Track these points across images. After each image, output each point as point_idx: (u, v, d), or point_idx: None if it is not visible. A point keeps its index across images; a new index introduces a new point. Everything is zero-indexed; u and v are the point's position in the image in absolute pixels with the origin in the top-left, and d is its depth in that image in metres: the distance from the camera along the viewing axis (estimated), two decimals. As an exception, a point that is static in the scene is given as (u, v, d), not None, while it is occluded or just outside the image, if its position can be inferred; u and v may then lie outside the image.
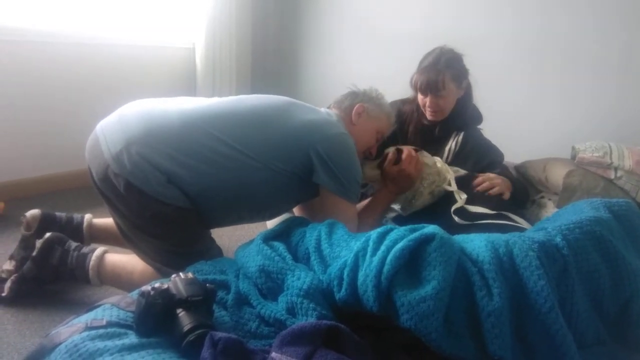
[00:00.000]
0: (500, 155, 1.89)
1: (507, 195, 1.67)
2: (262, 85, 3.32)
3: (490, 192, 1.65)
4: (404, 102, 2.01)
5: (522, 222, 1.54)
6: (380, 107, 1.71)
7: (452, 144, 1.89)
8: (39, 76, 2.34)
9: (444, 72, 1.77)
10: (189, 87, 3.01)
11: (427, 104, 1.83)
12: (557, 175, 1.98)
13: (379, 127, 1.70)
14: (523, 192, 1.86)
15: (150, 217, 1.33)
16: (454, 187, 1.62)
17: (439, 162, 1.71)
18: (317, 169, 1.41)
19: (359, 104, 1.66)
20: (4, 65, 2.23)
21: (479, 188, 1.66)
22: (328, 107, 1.69)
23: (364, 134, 1.64)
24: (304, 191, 1.49)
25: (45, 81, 2.37)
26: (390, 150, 1.69)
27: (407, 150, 1.66)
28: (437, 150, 1.87)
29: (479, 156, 1.84)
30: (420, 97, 1.86)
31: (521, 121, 2.53)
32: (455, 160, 1.86)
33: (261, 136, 1.41)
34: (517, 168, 2.12)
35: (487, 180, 1.69)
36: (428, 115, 1.87)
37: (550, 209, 1.89)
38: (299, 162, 1.42)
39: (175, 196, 1.33)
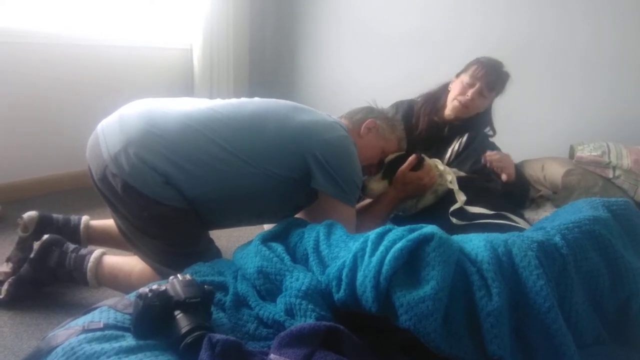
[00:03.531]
0: None
1: (509, 176, 1.71)
2: (260, 87, 3.32)
3: (495, 168, 1.69)
4: (411, 103, 2.00)
5: (520, 222, 1.54)
6: (393, 129, 1.69)
7: (455, 146, 1.90)
8: (35, 77, 2.33)
9: (501, 78, 1.84)
10: (187, 88, 3.01)
11: (470, 93, 1.82)
12: (556, 175, 1.98)
13: (386, 147, 1.67)
14: (524, 188, 1.86)
15: (149, 217, 1.33)
16: (455, 186, 1.62)
17: (439, 164, 1.71)
18: (315, 174, 1.40)
19: (372, 119, 1.64)
20: (0, 67, 2.22)
21: (488, 157, 1.70)
22: (340, 117, 1.67)
23: (368, 149, 1.61)
24: (303, 196, 1.48)
25: (42, 82, 2.36)
26: (389, 159, 1.67)
27: (427, 164, 1.66)
28: (440, 150, 1.87)
29: (478, 156, 1.84)
30: (463, 85, 1.85)
31: (518, 120, 2.53)
32: (455, 160, 1.86)
33: (259, 142, 1.40)
34: (515, 167, 2.12)
35: (500, 157, 1.71)
36: (455, 105, 1.86)
37: (548, 209, 1.90)
38: (296, 167, 1.41)
39: (173, 197, 1.32)
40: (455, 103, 1.86)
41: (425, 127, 1.93)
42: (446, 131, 1.92)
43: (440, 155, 1.88)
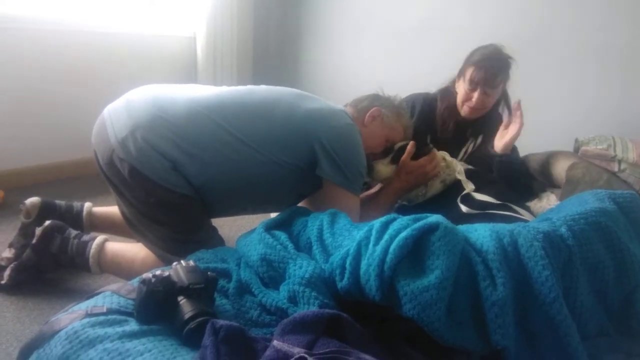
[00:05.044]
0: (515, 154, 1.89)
1: (502, 148, 1.72)
2: (264, 75, 3.30)
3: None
4: (429, 99, 1.95)
5: (525, 214, 1.54)
6: (398, 117, 1.67)
7: (469, 146, 1.89)
8: (38, 64, 2.32)
9: (500, 70, 1.75)
10: (190, 76, 2.99)
11: (474, 99, 1.77)
12: (560, 168, 1.96)
13: (391, 135, 1.66)
14: (522, 177, 1.85)
15: (154, 203, 1.32)
16: (462, 177, 1.62)
17: (446, 155, 1.71)
18: (320, 161, 1.40)
19: (377, 107, 1.62)
20: (3, 53, 2.20)
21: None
22: (345, 105, 1.65)
23: (372, 138, 1.60)
24: (308, 185, 1.47)
25: (45, 69, 2.35)
26: (400, 145, 1.66)
27: (434, 152, 1.66)
28: (454, 150, 1.86)
29: (489, 157, 1.84)
30: (465, 90, 1.79)
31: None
32: (467, 159, 1.86)
33: (266, 129, 1.39)
34: (516, 157, 2.10)
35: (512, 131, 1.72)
36: (466, 111, 1.82)
37: (553, 202, 1.88)
38: (303, 154, 1.40)
39: (179, 184, 1.32)
40: (466, 109, 1.82)
41: (452, 132, 1.89)
42: (469, 133, 1.89)
43: (453, 154, 1.85)
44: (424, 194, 1.67)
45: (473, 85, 1.77)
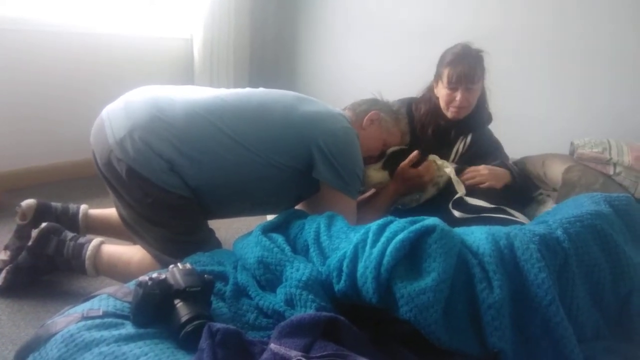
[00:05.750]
0: (503, 156, 1.89)
1: (498, 186, 1.66)
2: (260, 77, 3.30)
3: (480, 186, 1.64)
4: (411, 101, 1.95)
5: (520, 217, 1.54)
6: (396, 122, 1.68)
7: (459, 146, 1.88)
8: (35, 66, 2.31)
9: (475, 64, 1.73)
10: (187, 78, 2.98)
11: (458, 98, 1.75)
12: (556, 171, 1.97)
13: (388, 140, 1.66)
14: (524, 188, 1.83)
15: (152, 203, 1.32)
16: (454, 177, 1.62)
17: (437, 159, 1.71)
18: (317, 163, 1.40)
19: (375, 111, 1.63)
20: (1, 54, 2.20)
21: (467, 182, 1.65)
22: (343, 109, 1.66)
23: (370, 141, 1.60)
24: (306, 187, 1.48)
25: (42, 71, 2.34)
26: (392, 151, 1.67)
27: (429, 160, 1.66)
28: (444, 153, 1.86)
29: (482, 158, 1.84)
30: (446, 92, 1.77)
31: (518, 117, 2.52)
32: (459, 161, 1.86)
33: (264, 131, 1.40)
34: (516, 164, 2.11)
35: (473, 172, 1.67)
36: (452, 112, 1.80)
37: (549, 206, 1.89)
38: (301, 157, 1.41)
39: (177, 184, 1.32)
40: (452, 110, 1.80)
41: (432, 134, 1.88)
42: (453, 134, 1.89)
43: (444, 156, 1.85)
44: (418, 198, 1.67)
45: (453, 85, 1.75)
